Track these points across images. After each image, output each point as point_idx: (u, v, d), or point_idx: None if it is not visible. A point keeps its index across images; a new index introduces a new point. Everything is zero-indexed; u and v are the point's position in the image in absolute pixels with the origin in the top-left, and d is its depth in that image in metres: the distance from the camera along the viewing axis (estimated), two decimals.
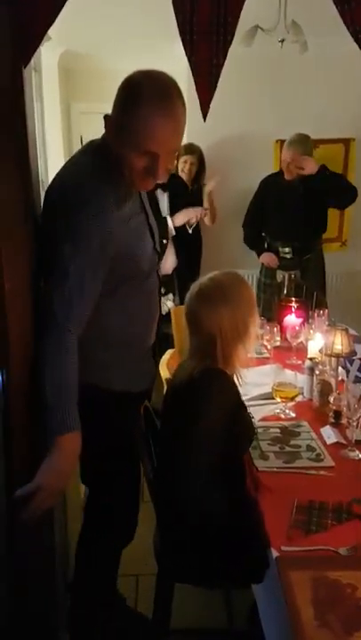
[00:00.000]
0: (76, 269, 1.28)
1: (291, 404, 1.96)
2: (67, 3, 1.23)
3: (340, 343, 2.14)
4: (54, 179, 1.41)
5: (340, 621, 1.03)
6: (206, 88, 1.42)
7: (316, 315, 2.55)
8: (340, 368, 2.15)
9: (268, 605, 1.46)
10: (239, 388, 1.57)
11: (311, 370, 2.07)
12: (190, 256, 3.56)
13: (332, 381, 1.99)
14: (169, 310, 2.97)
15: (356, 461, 1.65)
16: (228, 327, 1.48)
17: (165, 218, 3.33)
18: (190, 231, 3.47)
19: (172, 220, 3.34)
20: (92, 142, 1.45)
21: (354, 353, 2.19)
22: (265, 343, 2.50)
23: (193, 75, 1.40)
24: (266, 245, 3.65)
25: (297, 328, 2.44)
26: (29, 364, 1.29)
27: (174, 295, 3.42)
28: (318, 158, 3.37)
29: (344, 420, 1.76)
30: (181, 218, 3.38)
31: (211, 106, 1.44)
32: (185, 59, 1.40)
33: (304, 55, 3.15)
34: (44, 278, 1.36)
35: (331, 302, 3.29)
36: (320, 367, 2.05)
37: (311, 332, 2.45)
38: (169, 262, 3.38)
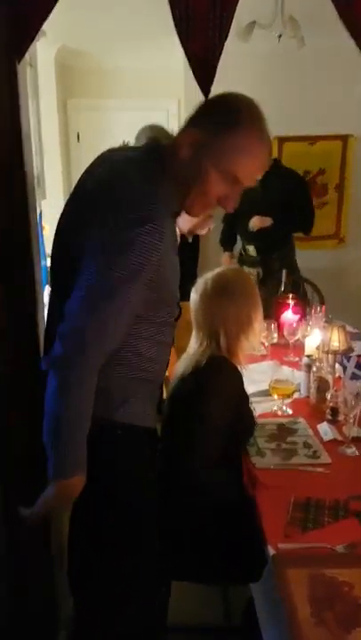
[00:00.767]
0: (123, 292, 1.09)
1: (288, 400, 1.96)
2: None
3: (337, 340, 2.15)
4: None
5: (336, 619, 1.03)
6: (203, 83, 1.42)
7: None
8: (337, 365, 2.15)
9: (264, 602, 1.45)
10: None
11: (308, 367, 2.07)
12: (189, 257, 3.54)
13: (330, 378, 1.99)
14: None
15: (353, 458, 1.65)
16: (232, 321, 1.54)
17: None
18: (190, 240, 3.44)
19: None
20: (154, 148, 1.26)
21: (351, 350, 2.20)
22: (262, 340, 2.50)
23: (191, 69, 1.39)
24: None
25: (294, 325, 2.44)
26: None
27: None
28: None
29: (341, 417, 1.76)
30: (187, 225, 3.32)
31: None
32: (182, 54, 1.39)
33: (302, 51, 3.14)
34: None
35: (328, 299, 3.29)
36: (317, 364, 2.05)
37: (308, 328, 2.45)
38: None
